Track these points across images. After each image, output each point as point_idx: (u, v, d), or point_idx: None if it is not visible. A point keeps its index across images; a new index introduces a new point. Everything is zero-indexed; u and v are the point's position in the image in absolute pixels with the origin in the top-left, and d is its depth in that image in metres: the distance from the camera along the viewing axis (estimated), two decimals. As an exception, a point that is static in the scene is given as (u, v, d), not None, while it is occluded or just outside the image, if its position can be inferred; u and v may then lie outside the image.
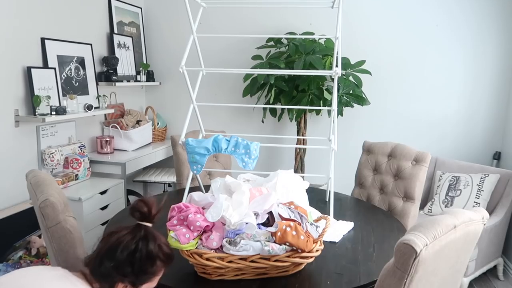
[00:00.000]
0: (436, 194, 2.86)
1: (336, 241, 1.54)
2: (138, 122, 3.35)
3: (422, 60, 3.13)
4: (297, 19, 3.30)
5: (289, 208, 1.31)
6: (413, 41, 3.12)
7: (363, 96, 2.89)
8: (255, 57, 3.08)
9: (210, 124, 3.58)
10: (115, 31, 3.22)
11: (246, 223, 1.21)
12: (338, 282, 1.24)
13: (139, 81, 3.48)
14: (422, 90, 3.16)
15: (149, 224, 1.06)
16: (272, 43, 3.15)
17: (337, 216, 1.82)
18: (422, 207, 2.91)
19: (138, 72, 3.50)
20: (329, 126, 3.30)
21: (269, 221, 1.29)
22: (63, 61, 2.68)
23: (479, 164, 2.98)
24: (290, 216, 1.28)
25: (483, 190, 2.67)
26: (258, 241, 1.18)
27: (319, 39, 3.04)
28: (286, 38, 3.11)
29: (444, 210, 2.72)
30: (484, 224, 1.15)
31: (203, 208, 1.31)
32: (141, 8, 3.61)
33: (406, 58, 3.15)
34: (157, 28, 3.66)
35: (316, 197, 2.11)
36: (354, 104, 2.95)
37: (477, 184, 2.71)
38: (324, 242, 1.54)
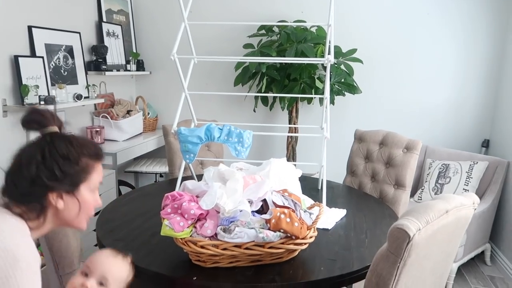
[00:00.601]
0: (426, 181, 2.90)
1: (329, 228, 1.56)
2: (128, 112, 3.32)
3: (413, 48, 3.14)
4: (289, 7, 3.28)
5: (283, 196, 1.31)
6: (404, 30, 3.13)
7: (355, 84, 2.90)
8: (247, 46, 3.06)
9: (202, 113, 3.55)
10: (104, 19, 3.17)
11: (241, 211, 1.21)
12: (332, 267, 1.25)
13: (129, 70, 3.43)
14: (413, 78, 3.18)
15: (54, 128, 0.94)
16: (263, 31, 3.12)
17: (330, 204, 1.84)
18: (412, 194, 2.94)
19: (128, 61, 3.45)
20: (320, 115, 3.31)
21: (263, 209, 1.29)
22: (51, 49, 2.63)
23: (468, 152, 3.03)
24: (284, 203, 1.28)
25: (472, 178, 2.72)
26: (252, 228, 1.18)
27: (311, 27, 3.03)
28: (278, 27, 3.09)
29: (433, 197, 2.76)
30: (475, 209, 1.16)
31: (197, 197, 1.31)
32: (130, -4, 3.55)
33: (398, 47, 3.16)
34: (147, 17, 3.60)
35: (309, 185, 2.12)
36: (346, 93, 2.95)
37: (466, 172, 2.75)
38: (318, 229, 1.55)
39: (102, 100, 2.99)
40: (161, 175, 3.69)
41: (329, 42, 1.86)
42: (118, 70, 3.25)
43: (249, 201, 1.27)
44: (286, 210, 1.20)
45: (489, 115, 3.11)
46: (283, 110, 3.12)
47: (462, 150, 3.07)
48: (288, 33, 2.90)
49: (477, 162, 2.77)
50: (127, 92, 3.68)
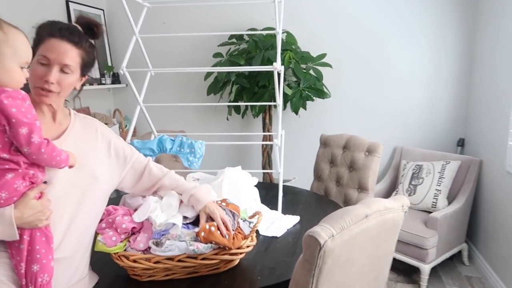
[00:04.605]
0: (400, 183, 2.89)
1: (278, 236, 1.55)
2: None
3: (383, 51, 3.14)
4: (259, 14, 3.29)
5: (220, 206, 1.31)
6: (374, 33, 3.13)
7: (324, 89, 2.90)
8: (216, 55, 3.07)
9: (177, 124, 3.56)
10: (75, 34, 3.19)
11: (174, 224, 1.21)
12: (270, 276, 1.25)
13: (103, 83, 3.45)
14: (385, 80, 3.18)
15: None
16: (234, 40, 3.14)
17: (288, 211, 1.83)
18: (387, 196, 2.93)
19: (102, 75, 3.47)
20: (297, 121, 3.31)
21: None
22: (19, 67, 2.64)
23: (444, 151, 3.02)
24: (220, 214, 1.28)
25: (444, 177, 2.70)
26: (183, 241, 1.18)
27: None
28: (247, 35, 3.10)
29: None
30: (405, 212, 1.16)
31: (135, 210, 1.31)
32: (103, 10, 3.57)
33: (367, 50, 3.16)
34: (121, 30, 3.63)
35: (271, 192, 2.11)
36: (317, 98, 2.95)
37: (439, 172, 2.73)
38: (266, 237, 1.55)
39: (74, 115, 3.00)
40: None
41: (279, 49, 1.87)
42: (91, 84, 3.26)
43: (184, 217, 1.27)
44: (215, 223, 1.20)
45: (462, 114, 3.10)
46: (254, 118, 3.12)
47: (438, 150, 3.06)
48: (256, 40, 2.92)
49: (449, 162, 2.76)
50: (105, 105, 3.69)
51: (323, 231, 0.93)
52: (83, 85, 1.18)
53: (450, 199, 2.69)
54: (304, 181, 3.03)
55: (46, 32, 1.04)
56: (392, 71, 3.16)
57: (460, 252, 2.79)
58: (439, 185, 2.69)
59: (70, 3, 3.14)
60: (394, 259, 2.56)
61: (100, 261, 1.35)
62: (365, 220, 1.01)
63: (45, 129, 1.08)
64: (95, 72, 3.38)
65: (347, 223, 0.97)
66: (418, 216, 2.63)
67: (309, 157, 3.23)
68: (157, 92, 3.59)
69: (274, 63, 1.75)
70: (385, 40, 3.13)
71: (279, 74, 2.68)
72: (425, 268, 2.42)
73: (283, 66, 2.01)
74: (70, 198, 1.06)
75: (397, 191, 2.86)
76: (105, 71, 3.45)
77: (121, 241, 1.20)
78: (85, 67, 1.10)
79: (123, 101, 3.76)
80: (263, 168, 3.23)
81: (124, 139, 1.87)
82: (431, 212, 2.55)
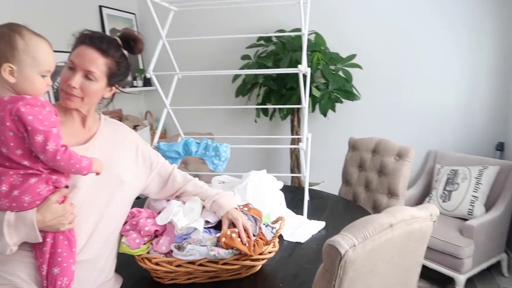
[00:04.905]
0: (434, 189, 2.78)
1: (302, 242, 1.52)
2: (135, 127, 3.41)
3: (416, 50, 3.03)
4: (288, 16, 3.26)
5: (242, 211, 1.29)
6: (406, 32, 3.03)
7: (353, 91, 2.83)
8: (244, 57, 3.07)
9: (206, 126, 3.58)
10: (108, 39, 3.28)
11: (195, 229, 1.21)
12: (292, 283, 1.22)
13: (135, 86, 3.53)
14: (418, 81, 3.06)
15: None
16: (262, 41, 3.13)
17: (314, 216, 1.79)
18: (420, 202, 2.83)
19: (134, 78, 3.56)
20: (325, 124, 3.26)
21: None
22: (56, 70, 2.74)
23: (481, 156, 2.87)
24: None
25: (481, 183, 2.57)
26: (204, 245, 1.17)
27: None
28: (276, 36, 3.08)
29: (441, 205, 2.64)
30: (434, 222, 1.10)
31: (158, 213, 1.32)
32: (135, 14, 3.66)
33: (399, 50, 3.06)
34: (152, 34, 3.69)
35: (298, 196, 2.08)
36: (346, 100, 2.89)
37: (475, 177, 2.60)
38: (290, 242, 1.52)
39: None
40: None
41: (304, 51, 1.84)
42: (123, 87, 3.35)
43: (207, 221, 1.26)
44: (236, 229, 1.19)
45: (502, 116, 2.94)
46: (282, 120, 3.09)
47: (475, 155, 2.91)
48: (284, 42, 2.89)
49: (487, 167, 2.62)
50: (136, 107, 3.78)
51: (344, 240, 0.89)
52: (113, 94, 1.19)
53: (488, 206, 2.56)
54: (333, 185, 2.97)
55: (79, 39, 1.08)
56: (426, 72, 3.04)
57: (499, 263, 2.65)
58: (476, 192, 2.56)
59: (103, 8, 3.24)
60: (427, 268, 2.46)
61: (125, 263, 1.37)
62: (389, 229, 0.97)
63: (74, 134, 1.10)
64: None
65: (370, 232, 0.93)
66: (452, 224, 2.51)
67: (338, 160, 3.17)
68: (187, 95, 3.64)
69: (299, 65, 1.72)
70: (418, 39, 3.02)
71: (305, 76, 2.65)
72: (460, 279, 2.31)
73: (309, 68, 1.98)
74: (95, 202, 1.08)
75: (430, 197, 2.75)
76: (137, 74, 3.53)
77: (144, 244, 1.22)
78: (112, 77, 1.11)
79: (154, 103, 3.84)
80: (292, 171, 3.20)
81: (152, 142, 1.91)
82: (467, 220, 2.43)
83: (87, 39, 1.06)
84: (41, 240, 0.95)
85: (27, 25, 0.96)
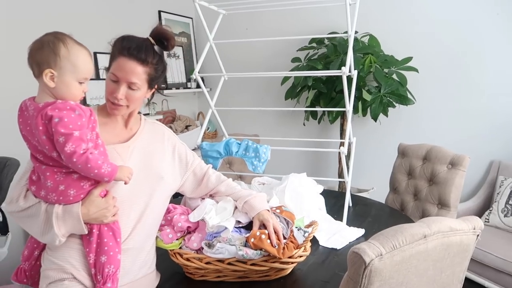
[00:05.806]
0: (495, 202, 2.56)
1: (338, 248, 1.47)
2: (187, 127, 3.52)
3: (479, 53, 2.81)
4: (342, 17, 3.19)
5: (274, 213, 1.28)
6: (469, 33, 2.82)
7: (407, 95, 2.70)
8: (294, 60, 3.05)
9: (255, 128, 3.61)
10: (165, 42, 3.43)
11: (225, 228, 1.22)
12: (321, 290, 1.19)
13: (189, 88, 3.65)
14: (480, 87, 2.84)
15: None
16: (314, 44, 3.09)
17: (354, 223, 1.73)
18: (479, 216, 2.62)
19: (189, 80, 3.68)
20: (375, 128, 3.14)
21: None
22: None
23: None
24: (273, 221, 1.26)
25: (550, 199, 2.33)
26: (233, 245, 1.18)
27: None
28: (328, 39, 3.03)
29: (503, 220, 2.43)
30: (478, 235, 1.01)
31: (193, 210, 1.35)
32: (192, 18, 3.79)
33: (460, 52, 2.86)
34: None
35: (340, 201, 2.02)
36: (399, 105, 2.76)
37: (544, 192, 2.36)
38: (326, 248, 1.48)
39: (160, 117, 3.23)
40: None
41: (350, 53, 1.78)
42: (177, 88, 3.48)
43: (238, 221, 1.27)
44: (266, 231, 1.18)
45: None
46: (331, 123, 3.02)
47: (545, 167, 2.64)
48: (335, 44, 2.83)
49: (559, 181, 2.37)
50: (190, 108, 3.91)
51: (370, 248, 0.85)
52: (153, 94, 1.24)
53: (558, 224, 2.31)
54: (382, 192, 2.85)
55: (117, 49, 1.10)
56: (490, 76, 2.81)
57: None
58: (544, 207, 2.32)
59: (162, 13, 3.39)
60: (482, 287, 2.27)
61: (160, 257, 1.42)
62: (422, 240, 0.90)
63: (117, 133, 1.17)
64: (181, 77, 3.60)
65: (400, 242, 0.88)
66: (514, 241, 2.30)
67: (389, 167, 3.04)
68: (237, 97, 3.70)
69: (342, 67, 1.67)
70: (483, 41, 2.80)
71: (349, 79, 2.58)
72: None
73: (356, 71, 1.91)
74: (138, 196, 1.13)
75: (490, 210, 2.54)
76: (191, 76, 3.64)
77: (177, 239, 1.25)
78: (152, 81, 1.15)
79: (207, 104, 3.93)
80: (339, 176, 3.12)
81: (209, 141, 1.96)
82: (531, 238, 2.21)
83: (126, 50, 1.09)
84: (86, 232, 1.01)
85: (72, 34, 1.01)
